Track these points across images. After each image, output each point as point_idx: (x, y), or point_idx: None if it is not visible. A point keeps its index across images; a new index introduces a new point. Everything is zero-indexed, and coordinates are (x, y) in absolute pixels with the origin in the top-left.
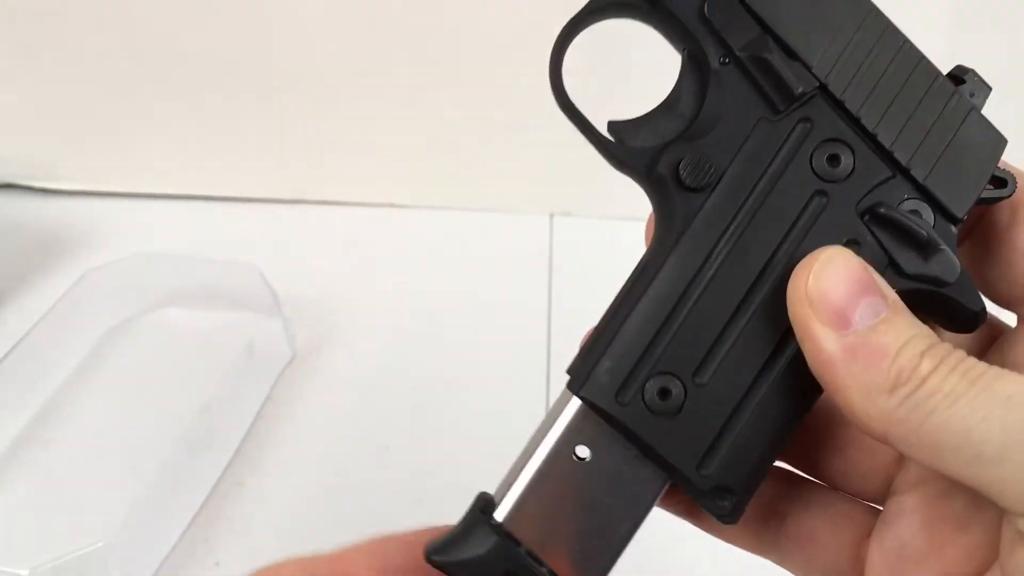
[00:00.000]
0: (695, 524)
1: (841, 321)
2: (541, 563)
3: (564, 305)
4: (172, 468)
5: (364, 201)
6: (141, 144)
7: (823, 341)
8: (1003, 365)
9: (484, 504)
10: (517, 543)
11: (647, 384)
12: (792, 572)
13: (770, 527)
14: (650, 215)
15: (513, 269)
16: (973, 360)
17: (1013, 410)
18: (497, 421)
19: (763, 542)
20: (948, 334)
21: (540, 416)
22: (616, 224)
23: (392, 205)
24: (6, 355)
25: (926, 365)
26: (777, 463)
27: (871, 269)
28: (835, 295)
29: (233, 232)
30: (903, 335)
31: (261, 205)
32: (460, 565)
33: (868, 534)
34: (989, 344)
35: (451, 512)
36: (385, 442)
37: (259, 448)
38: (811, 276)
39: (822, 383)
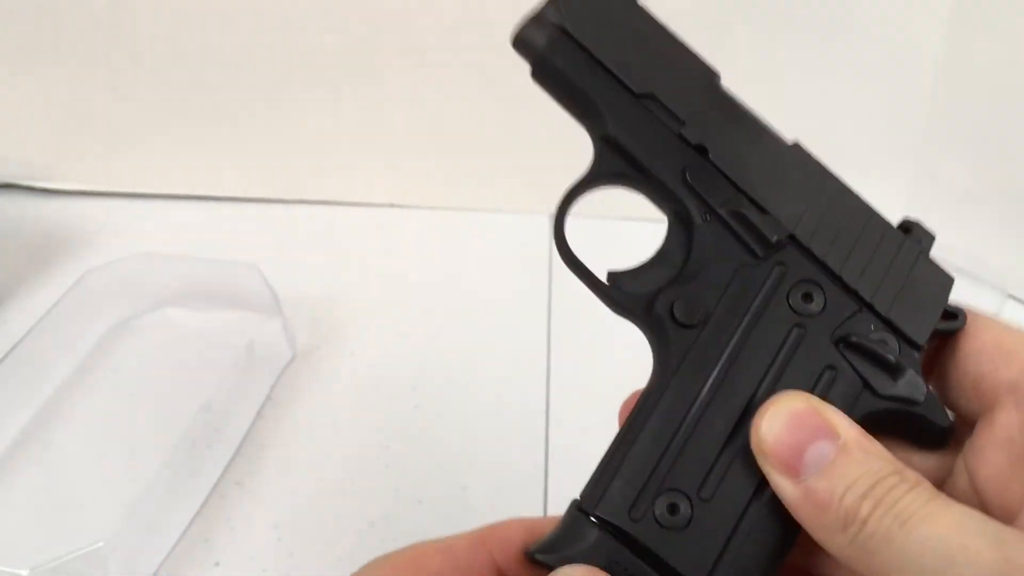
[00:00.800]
0: None
1: (791, 470)
2: (652, 556)
3: (564, 305)
4: (172, 468)
5: (364, 201)
6: (141, 144)
7: (782, 488)
8: (965, 472)
9: (580, 503)
10: (617, 531)
11: (657, 501)
12: None
13: None
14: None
15: (513, 269)
16: (913, 495)
17: (924, 554)
18: (497, 421)
19: None
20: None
21: (540, 415)
22: (616, 224)
23: (392, 205)
24: (6, 355)
25: (865, 508)
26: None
27: (826, 408)
28: (783, 445)
29: (233, 232)
30: (848, 478)
31: (261, 205)
32: (567, 557)
33: None
34: None
35: (451, 512)
36: (385, 442)
37: (259, 448)
38: (762, 425)
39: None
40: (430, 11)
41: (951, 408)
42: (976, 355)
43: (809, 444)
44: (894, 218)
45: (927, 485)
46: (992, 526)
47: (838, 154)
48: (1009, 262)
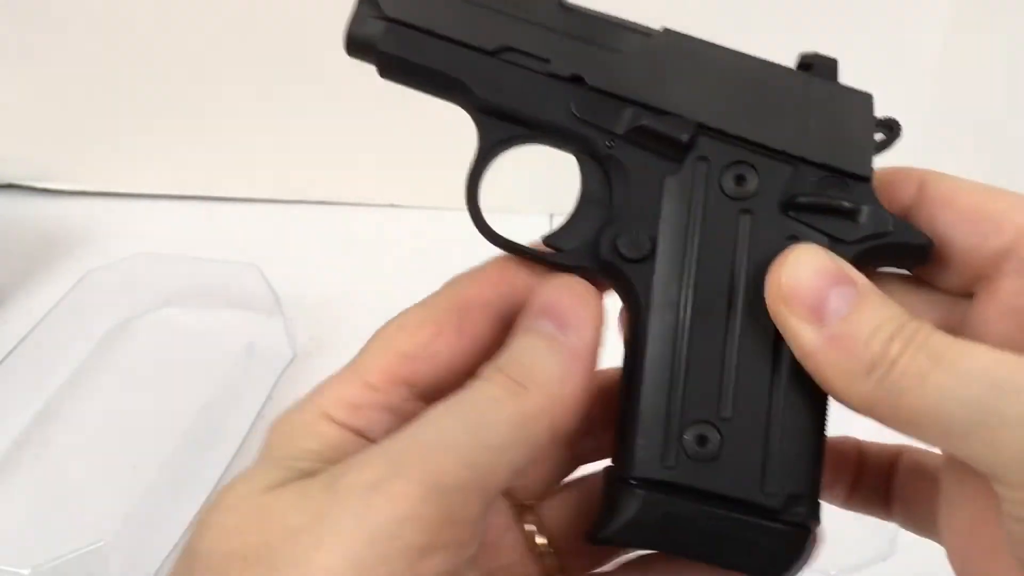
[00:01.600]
0: None
1: (816, 315)
2: (705, 494)
3: None
4: (173, 467)
5: (364, 201)
6: (141, 144)
7: (802, 336)
8: (970, 337)
9: (614, 472)
10: (662, 485)
11: (684, 440)
12: None
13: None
14: None
15: None
16: (940, 336)
17: (971, 385)
18: None
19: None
20: (929, 311)
21: None
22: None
23: (392, 205)
24: (8, 355)
25: (895, 348)
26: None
27: (837, 258)
28: (806, 291)
29: (234, 232)
30: (873, 321)
31: (262, 205)
32: (623, 530)
33: None
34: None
35: None
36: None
37: (259, 447)
38: (782, 276)
39: (808, 371)
40: None
41: (937, 284)
42: (957, 226)
43: (830, 290)
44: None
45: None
46: None
47: None
48: None
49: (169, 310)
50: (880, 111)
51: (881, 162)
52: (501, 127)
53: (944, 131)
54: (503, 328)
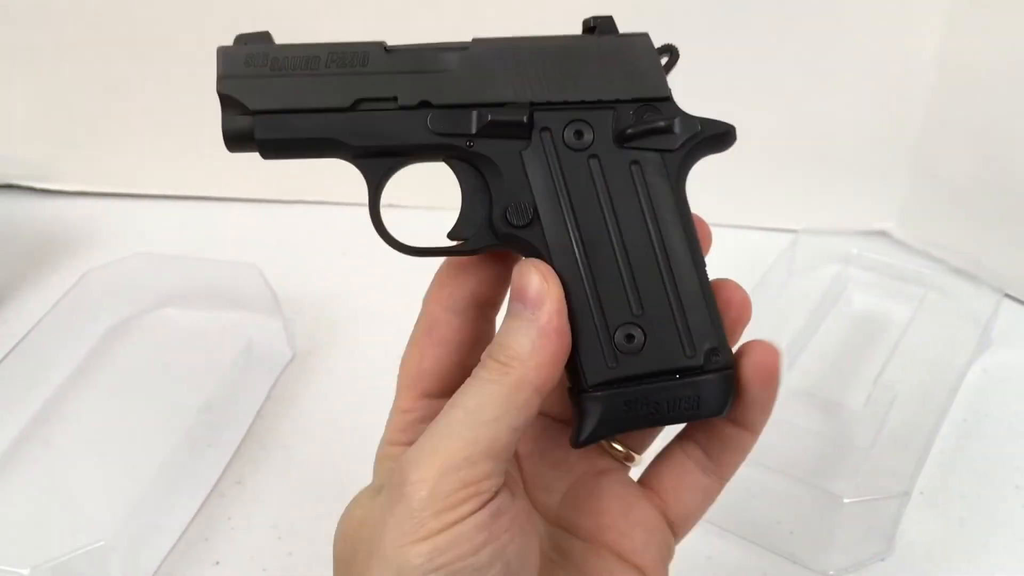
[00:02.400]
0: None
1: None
2: (646, 375)
3: None
4: (172, 467)
5: (364, 201)
6: (141, 144)
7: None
8: None
9: (574, 388)
10: (614, 383)
11: (616, 343)
12: None
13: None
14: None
15: None
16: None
17: None
18: None
19: None
20: None
21: None
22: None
23: (392, 205)
24: (7, 354)
25: None
26: None
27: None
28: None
29: (233, 232)
30: None
31: (261, 205)
32: (598, 427)
33: None
34: None
35: None
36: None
37: (259, 447)
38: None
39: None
40: (430, 10)
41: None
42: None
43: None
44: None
45: None
46: None
47: (836, 153)
48: (1006, 261)
49: (168, 310)
50: (879, 110)
51: (879, 166)
52: (379, 163)
53: (942, 131)
54: (478, 307)
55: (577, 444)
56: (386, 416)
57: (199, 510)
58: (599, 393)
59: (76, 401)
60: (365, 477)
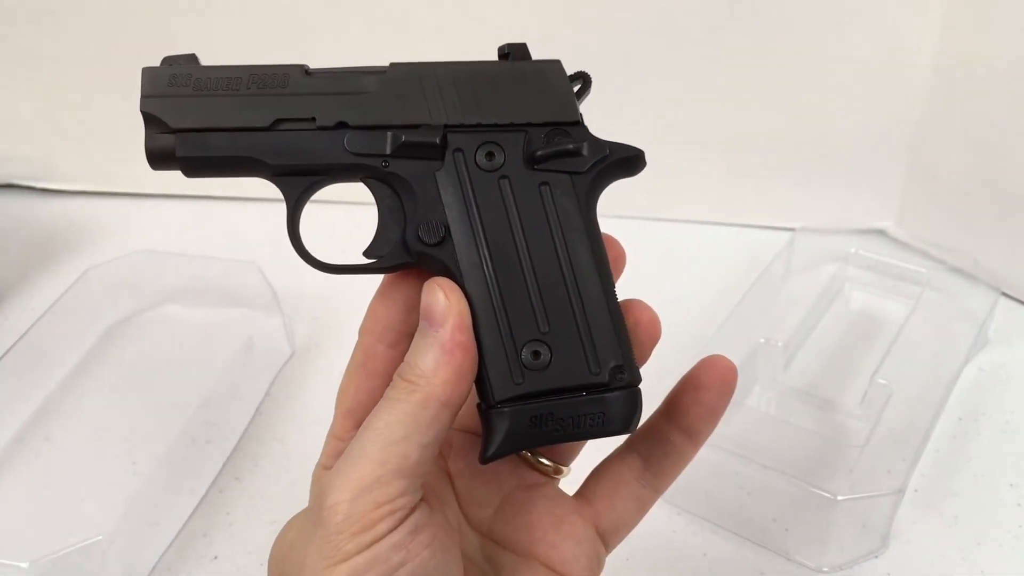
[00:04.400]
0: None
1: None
2: (551, 392)
3: None
4: (171, 463)
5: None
6: (141, 144)
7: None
8: None
9: (482, 404)
10: (520, 399)
11: (523, 359)
12: None
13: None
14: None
15: None
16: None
17: None
18: None
19: None
20: None
21: None
22: (614, 222)
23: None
24: (8, 351)
25: None
26: None
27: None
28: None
29: (233, 231)
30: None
31: (261, 204)
32: (504, 443)
33: None
34: None
35: None
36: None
37: (258, 444)
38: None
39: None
40: (429, 9)
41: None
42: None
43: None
44: (886, 219)
45: None
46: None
47: (834, 152)
48: (1003, 260)
49: (169, 307)
50: (875, 110)
51: (876, 165)
52: (297, 182)
53: (938, 131)
54: (409, 338)
55: (484, 460)
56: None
57: (198, 506)
58: (506, 409)
59: (77, 397)
60: None
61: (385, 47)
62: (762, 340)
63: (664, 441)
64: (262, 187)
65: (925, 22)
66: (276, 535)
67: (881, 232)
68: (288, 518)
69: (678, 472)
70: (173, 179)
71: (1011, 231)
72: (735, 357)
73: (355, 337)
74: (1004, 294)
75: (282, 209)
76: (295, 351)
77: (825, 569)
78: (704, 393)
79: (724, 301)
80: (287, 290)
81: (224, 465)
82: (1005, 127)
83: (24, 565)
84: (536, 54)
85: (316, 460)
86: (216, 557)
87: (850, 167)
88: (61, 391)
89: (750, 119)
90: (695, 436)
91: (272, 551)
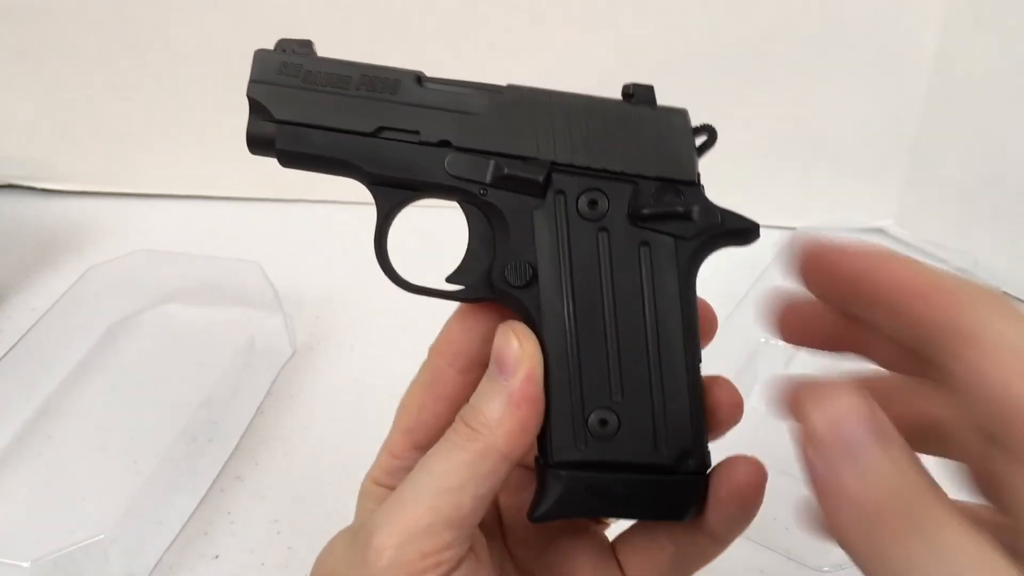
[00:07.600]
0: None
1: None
2: (613, 465)
3: None
4: (173, 462)
5: (364, 200)
6: (141, 144)
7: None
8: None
9: (540, 459)
10: (579, 466)
11: (589, 425)
12: None
13: None
14: None
15: None
16: (938, 520)
17: (934, 567)
18: None
19: None
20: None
21: None
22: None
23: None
24: (9, 350)
25: (898, 520)
26: None
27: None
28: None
29: (234, 230)
30: (889, 484)
31: (262, 203)
32: (555, 506)
33: None
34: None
35: None
36: (384, 437)
37: (259, 443)
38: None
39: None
40: (429, 11)
41: (962, 454)
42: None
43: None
44: (886, 218)
45: (954, 506)
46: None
47: (834, 153)
48: (1003, 259)
49: (170, 306)
50: (875, 110)
51: (876, 166)
52: (392, 193)
53: (939, 131)
54: (482, 368)
55: (533, 519)
56: (385, 414)
57: (199, 504)
58: (563, 472)
59: (78, 396)
60: (364, 472)
61: (387, 47)
62: (762, 340)
63: (692, 535)
64: (262, 187)
65: (926, 22)
66: (277, 534)
67: (881, 231)
68: (289, 515)
69: (702, 565)
70: (173, 179)
71: (1011, 230)
72: (735, 357)
73: (355, 337)
74: (1004, 294)
75: (283, 209)
76: (296, 350)
77: (825, 568)
78: (724, 507)
79: (724, 301)
80: (288, 290)
81: (225, 464)
82: (1005, 126)
83: (25, 564)
84: (534, 53)
85: (318, 459)
86: (217, 556)
87: (851, 166)
88: (62, 390)
89: (751, 118)
90: (720, 540)
91: (316, 565)
